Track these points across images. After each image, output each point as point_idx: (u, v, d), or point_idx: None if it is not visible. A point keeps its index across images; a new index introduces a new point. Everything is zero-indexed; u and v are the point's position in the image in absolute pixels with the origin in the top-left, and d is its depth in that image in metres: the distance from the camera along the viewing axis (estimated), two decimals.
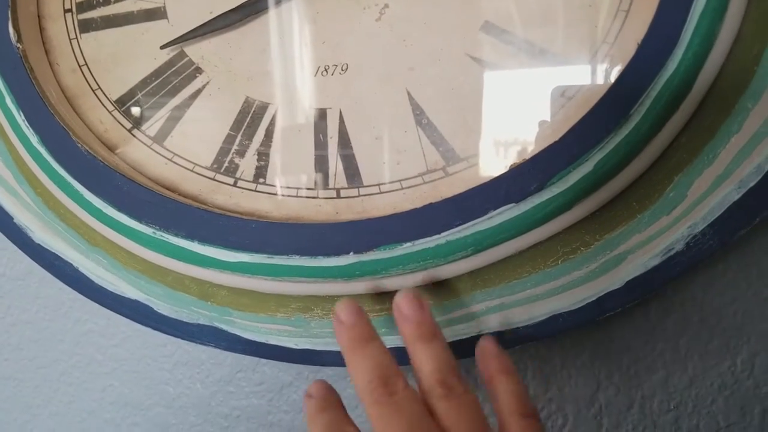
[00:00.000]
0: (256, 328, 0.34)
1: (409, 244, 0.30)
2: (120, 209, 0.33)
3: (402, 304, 0.26)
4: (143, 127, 0.36)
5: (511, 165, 0.30)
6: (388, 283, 0.32)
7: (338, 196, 0.34)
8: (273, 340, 0.34)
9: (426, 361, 0.24)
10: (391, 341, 0.32)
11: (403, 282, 0.32)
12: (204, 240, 0.32)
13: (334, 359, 0.33)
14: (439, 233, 0.30)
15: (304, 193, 0.34)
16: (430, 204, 0.30)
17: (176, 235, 0.32)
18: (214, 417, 0.38)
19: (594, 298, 0.30)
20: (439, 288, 0.32)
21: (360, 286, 0.32)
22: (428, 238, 0.30)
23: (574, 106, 0.30)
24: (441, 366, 0.24)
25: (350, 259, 0.31)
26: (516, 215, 0.29)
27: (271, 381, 0.37)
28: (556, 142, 0.29)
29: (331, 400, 0.26)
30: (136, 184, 0.33)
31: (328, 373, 0.36)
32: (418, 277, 0.31)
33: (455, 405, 0.22)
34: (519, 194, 0.29)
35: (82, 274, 0.36)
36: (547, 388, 0.34)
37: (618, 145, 0.28)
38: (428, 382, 0.23)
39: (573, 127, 0.29)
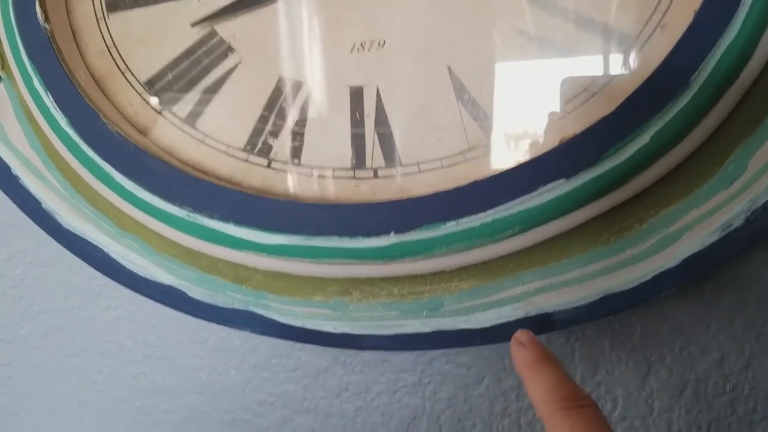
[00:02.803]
0: (292, 312, 0.33)
1: (453, 222, 0.29)
2: (152, 191, 0.32)
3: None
4: (174, 109, 0.35)
5: (561, 139, 0.29)
6: (430, 264, 0.31)
7: (375, 176, 0.33)
8: (310, 324, 0.33)
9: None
10: (432, 324, 0.31)
11: (444, 263, 0.31)
12: (239, 222, 0.31)
13: (373, 343, 0.32)
14: (485, 211, 0.29)
15: (340, 173, 0.33)
16: (475, 181, 0.29)
17: (210, 217, 0.31)
18: (248, 404, 0.37)
19: (648, 278, 0.29)
20: (484, 268, 0.30)
21: (400, 268, 0.31)
22: (473, 216, 0.29)
23: (627, 77, 0.29)
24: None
25: (391, 239, 0.30)
26: (566, 191, 0.28)
27: (307, 366, 0.36)
28: (610, 114, 0.28)
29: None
30: (168, 165, 0.32)
31: (366, 357, 0.35)
32: (464, 257, 0.30)
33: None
34: (570, 169, 0.28)
35: (113, 259, 0.35)
36: (596, 371, 0.32)
37: (676, 115, 0.27)
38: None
39: (628, 98, 0.27)
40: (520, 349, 0.25)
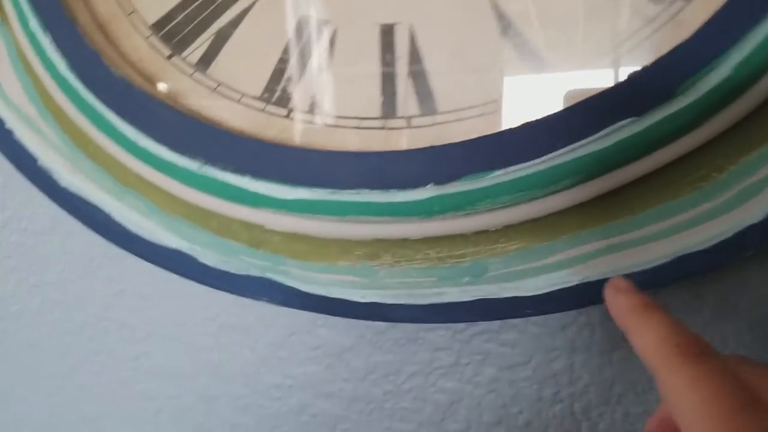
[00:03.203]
0: (315, 278, 0.29)
1: (500, 171, 0.25)
2: (159, 141, 0.29)
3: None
4: (183, 54, 0.31)
5: (631, 73, 0.25)
6: (473, 222, 0.27)
7: (409, 126, 0.29)
8: (335, 293, 0.29)
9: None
10: (474, 291, 0.28)
11: (490, 220, 0.27)
12: (256, 174, 0.28)
13: (405, 314, 0.28)
14: (539, 157, 0.25)
15: (368, 123, 0.29)
16: (528, 123, 0.26)
17: (224, 169, 0.28)
18: (264, 387, 0.33)
19: (729, 235, 0.25)
20: (536, 227, 0.27)
21: (439, 226, 0.27)
22: (525, 164, 0.25)
23: (703, 2, 0.25)
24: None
25: (429, 191, 0.26)
26: (635, 132, 0.24)
27: (329, 345, 0.32)
28: (685, 42, 0.24)
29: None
30: (177, 111, 0.29)
31: (396, 335, 0.31)
32: (512, 214, 0.26)
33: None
34: (641, 106, 0.24)
35: (115, 220, 0.31)
36: None
37: (764, 41, 0.23)
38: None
39: (707, 22, 0.24)
40: (620, 295, 0.21)
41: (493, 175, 0.25)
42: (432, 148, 0.26)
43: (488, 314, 0.28)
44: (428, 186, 0.26)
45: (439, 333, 0.31)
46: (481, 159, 0.26)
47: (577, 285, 0.27)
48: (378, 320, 0.29)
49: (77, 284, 0.35)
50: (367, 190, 0.27)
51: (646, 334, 0.19)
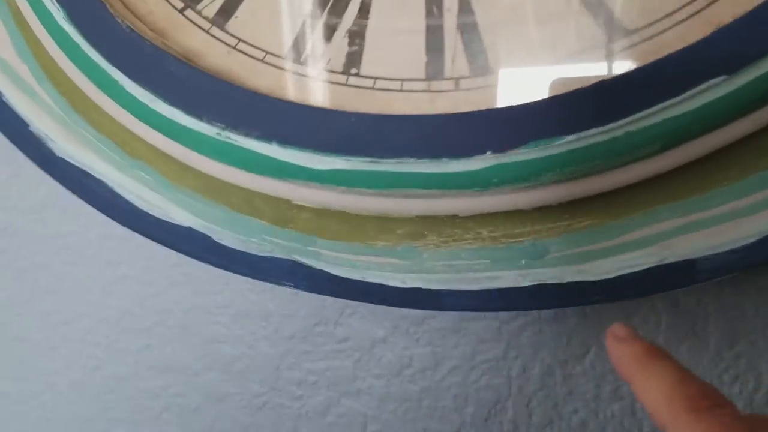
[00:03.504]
0: (349, 261, 0.26)
1: (571, 137, 0.22)
2: (173, 103, 0.26)
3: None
4: (199, 7, 0.28)
5: (722, 26, 0.22)
6: (536, 196, 0.24)
7: (457, 88, 0.26)
8: (371, 277, 0.26)
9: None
10: (533, 275, 0.24)
11: (554, 195, 0.24)
12: (285, 141, 0.25)
13: (453, 301, 0.25)
14: (616, 122, 0.22)
15: (411, 85, 0.26)
16: (603, 82, 0.23)
17: (248, 135, 0.25)
18: (284, 384, 0.30)
19: None
20: (607, 202, 0.24)
21: (495, 202, 0.24)
22: (599, 129, 0.22)
23: None
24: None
25: (487, 160, 0.23)
26: (726, 93, 0.21)
27: (359, 336, 0.29)
28: None
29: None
30: (194, 69, 0.26)
31: (435, 325, 0.28)
32: (581, 187, 0.23)
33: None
34: (732, 63, 0.21)
35: (120, 195, 0.28)
36: (734, 341, 0.26)
37: None
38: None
39: None
40: (620, 344, 0.20)
41: (562, 141, 0.22)
42: (491, 110, 0.23)
43: (548, 301, 0.25)
44: (486, 154, 0.23)
45: (484, 323, 0.28)
46: (548, 123, 0.23)
47: (651, 268, 0.24)
48: (420, 308, 0.26)
49: (73, 269, 0.32)
50: (412, 160, 0.23)
51: (652, 386, 0.18)
